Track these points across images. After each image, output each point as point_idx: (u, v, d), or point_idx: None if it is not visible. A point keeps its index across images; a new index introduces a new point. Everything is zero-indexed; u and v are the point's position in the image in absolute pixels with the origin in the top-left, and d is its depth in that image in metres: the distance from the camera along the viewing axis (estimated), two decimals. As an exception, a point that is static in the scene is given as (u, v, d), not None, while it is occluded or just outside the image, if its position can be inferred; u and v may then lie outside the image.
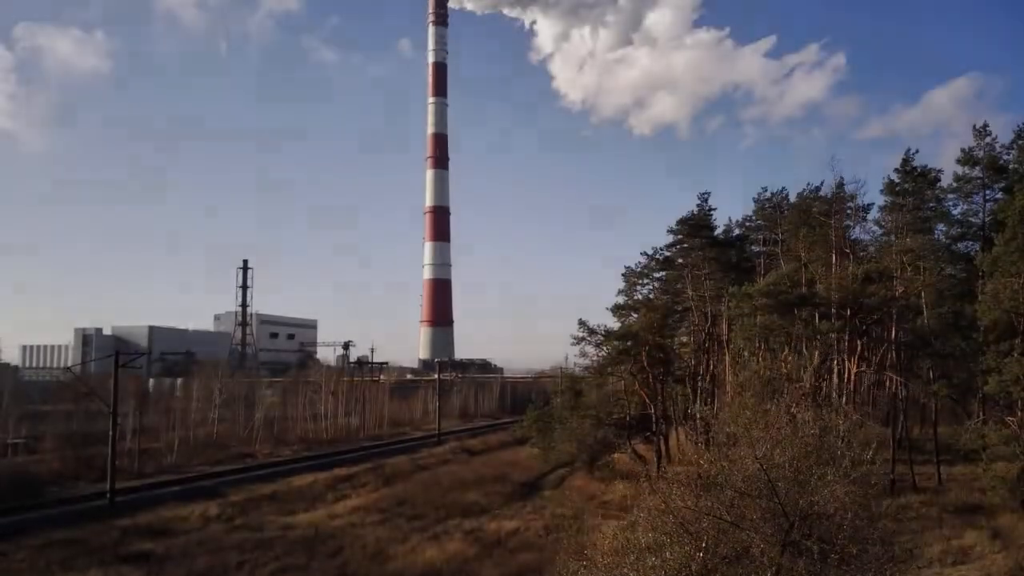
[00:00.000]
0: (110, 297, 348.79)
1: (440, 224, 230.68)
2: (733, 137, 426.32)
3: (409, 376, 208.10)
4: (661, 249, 56.99)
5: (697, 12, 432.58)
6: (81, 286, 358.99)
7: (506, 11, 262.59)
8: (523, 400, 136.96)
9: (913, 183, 41.36)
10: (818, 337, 37.20)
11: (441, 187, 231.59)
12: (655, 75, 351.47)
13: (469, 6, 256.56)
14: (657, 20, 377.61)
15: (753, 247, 58.74)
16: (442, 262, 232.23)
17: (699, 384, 54.90)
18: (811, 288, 40.93)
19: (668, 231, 56.72)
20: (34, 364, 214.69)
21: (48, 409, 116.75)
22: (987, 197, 43.00)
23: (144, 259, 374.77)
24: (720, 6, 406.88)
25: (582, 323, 43.96)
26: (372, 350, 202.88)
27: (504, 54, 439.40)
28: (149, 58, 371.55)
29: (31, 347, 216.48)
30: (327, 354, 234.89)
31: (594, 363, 43.88)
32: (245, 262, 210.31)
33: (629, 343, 42.54)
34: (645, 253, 56.48)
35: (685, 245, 55.45)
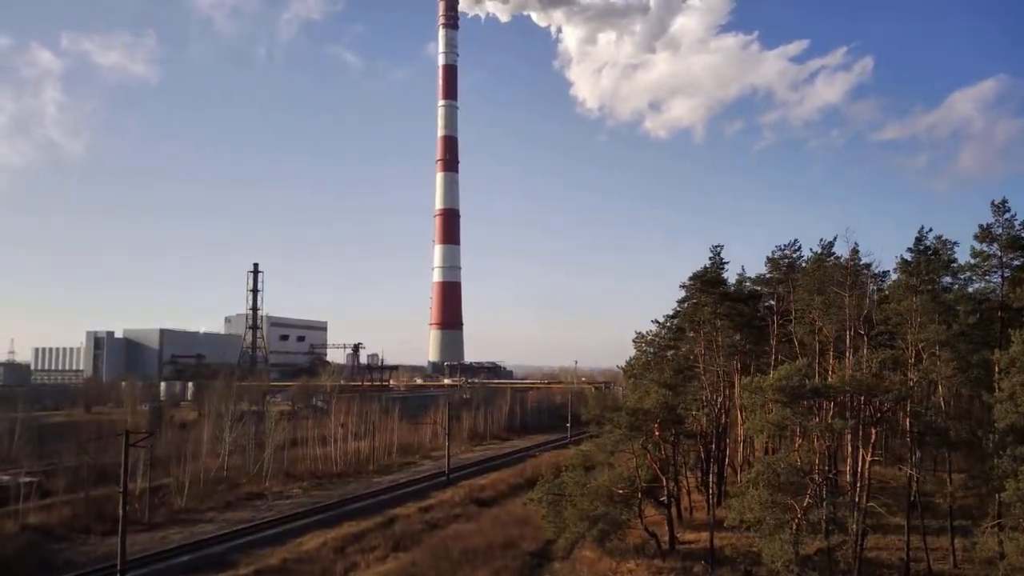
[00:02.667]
0: (122, 299, 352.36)
1: (450, 227, 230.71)
2: (750, 140, 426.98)
3: (419, 380, 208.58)
4: (671, 318, 56.77)
5: (726, 17, 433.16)
6: (93, 289, 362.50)
7: (533, 15, 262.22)
8: (533, 416, 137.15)
9: (927, 263, 40.67)
10: (832, 431, 36.79)
11: (451, 190, 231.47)
12: (676, 79, 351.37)
13: (495, 13, 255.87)
14: (684, 25, 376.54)
15: (770, 300, 58.23)
16: (451, 265, 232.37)
17: (711, 446, 54.69)
18: (824, 367, 40.40)
19: (680, 286, 56.43)
20: (46, 367, 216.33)
21: (61, 419, 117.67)
22: (1005, 276, 42.31)
23: (156, 261, 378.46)
24: (753, 10, 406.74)
25: (591, 398, 43.77)
26: (382, 361, 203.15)
27: (526, 61, 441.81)
28: (181, 64, 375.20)
29: (43, 349, 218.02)
30: (337, 356, 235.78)
31: (607, 442, 43.65)
32: (255, 265, 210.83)
33: (641, 419, 42.28)
34: (656, 321, 56.29)
35: (695, 302, 55.04)
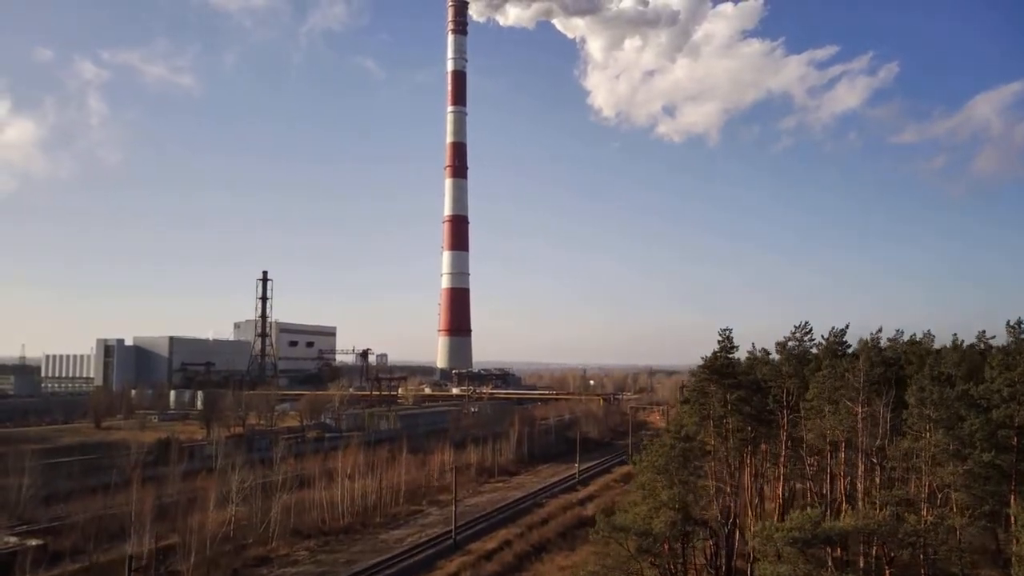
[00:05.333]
0: (133, 306, 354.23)
1: (458, 233, 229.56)
2: (766, 145, 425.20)
3: (427, 389, 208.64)
4: (682, 403, 55.96)
5: (756, 23, 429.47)
6: (104, 295, 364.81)
7: (556, 22, 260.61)
8: (542, 440, 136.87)
9: (940, 391, 39.69)
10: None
11: (459, 196, 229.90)
12: (694, 84, 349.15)
13: (516, 20, 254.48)
14: (710, 31, 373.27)
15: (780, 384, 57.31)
16: (460, 271, 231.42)
17: (721, 539, 54.13)
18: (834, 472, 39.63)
19: (690, 373, 55.59)
20: (57, 373, 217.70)
21: (71, 442, 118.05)
22: (1021, 401, 41.36)
23: (167, 269, 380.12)
24: (783, 14, 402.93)
25: (604, 514, 43.37)
26: (391, 376, 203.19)
27: (543, 69, 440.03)
28: (217, 73, 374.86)
29: (54, 356, 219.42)
30: (346, 361, 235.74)
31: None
32: (265, 273, 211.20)
33: (650, 543, 41.81)
34: (667, 429, 55.54)
35: (704, 391, 54.37)
